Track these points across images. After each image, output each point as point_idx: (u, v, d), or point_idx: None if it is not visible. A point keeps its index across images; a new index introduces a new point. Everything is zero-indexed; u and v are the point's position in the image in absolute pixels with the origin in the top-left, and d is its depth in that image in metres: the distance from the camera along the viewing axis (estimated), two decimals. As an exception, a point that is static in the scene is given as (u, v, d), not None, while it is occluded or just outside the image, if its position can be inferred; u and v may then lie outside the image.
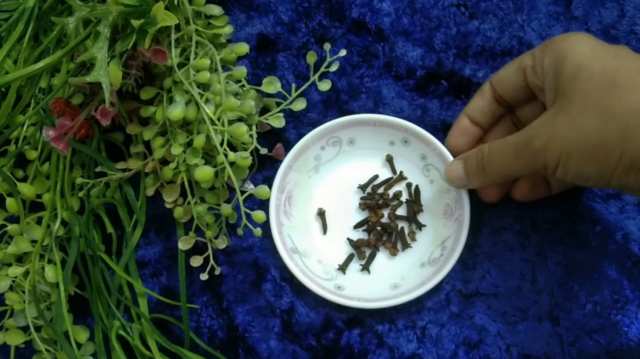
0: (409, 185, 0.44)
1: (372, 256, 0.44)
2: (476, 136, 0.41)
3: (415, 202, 0.44)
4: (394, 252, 0.43)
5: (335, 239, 0.44)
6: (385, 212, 0.44)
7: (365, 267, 0.43)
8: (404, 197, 0.44)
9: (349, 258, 0.44)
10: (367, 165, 0.45)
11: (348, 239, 0.44)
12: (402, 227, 0.44)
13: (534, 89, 0.38)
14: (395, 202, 0.44)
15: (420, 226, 0.44)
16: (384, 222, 0.44)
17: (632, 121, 0.31)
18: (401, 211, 0.44)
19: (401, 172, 0.45)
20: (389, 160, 0.45)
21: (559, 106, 0.34)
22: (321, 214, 0.45)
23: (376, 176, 0.45)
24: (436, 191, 0.44)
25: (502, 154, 0.36)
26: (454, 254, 0.40)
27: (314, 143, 0.44)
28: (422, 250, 0.43)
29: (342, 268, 0.43)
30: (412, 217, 0.44)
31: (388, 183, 0.45)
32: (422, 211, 0.44)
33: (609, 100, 0.32)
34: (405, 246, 0.43)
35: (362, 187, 0.45)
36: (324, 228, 0.45)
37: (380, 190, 0.45)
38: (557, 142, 0.33)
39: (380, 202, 0.44)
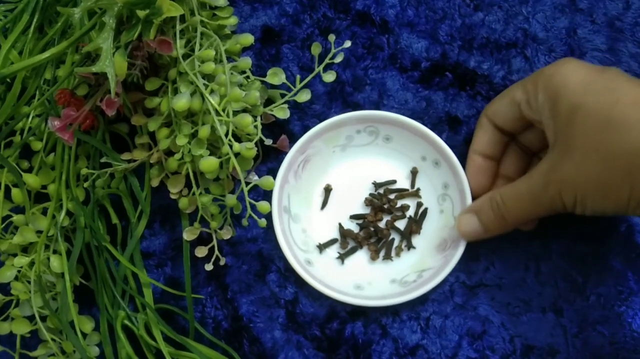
0: (419, 204, 0.44)
1: (352, 250, 0.44)
2: (493, 170, 0.42)
3: (417, 222, 0.44)
4: (373, 257, 0.43)
5: (328, 219, 0.45)
6: (385, 218, 0.44)
7: (341, 257, 0.43)
8: (409, 213, 0.44)
9: (331, 242, 0.44)
10: (391, 167, 0.45)
11: (339, 224, 0.44)
12: (393, 239, 0.44)
13: (532, 121, 0.38)
14: (398, 214, 0.44)
15: (409, 247, 0.43)
16: (378, 226, 0.44)
17: (635, 162, 0.31)
18: (400, 224, 0.44)
19: (418, 189, 0.44)
20: (414, 173, 0.45)
21: (562, 150, 0.34)
22: (327, 190, 0.45)
23: (394, 181, 0.45)
24: (441, 222, 0.43)
25: (519, 202, 0.37)
26: (426, 286, 0.40)
27: (352, 124, 0.44)
28: (399, 268, 0.43)
29: (321, 247, 0.44)
30: (407, 235, 0.44)
31: (401, 193, 0.44)
32: (419, 233, 0.44)
33: (608, 144, 0.32)
34: (387, 257, 0.43)
35: (376, 185, 0.45)
36: (324, 204, 0.45)
37: (391, 196, 0.44)
38: (569, 187, 0.34)
39: (385, 206, 0.44)
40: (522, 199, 0.37)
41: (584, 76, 0.34)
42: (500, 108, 0.40)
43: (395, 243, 0.44)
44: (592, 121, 0.33)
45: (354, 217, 0.44)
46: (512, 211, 0.37)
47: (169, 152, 0.43)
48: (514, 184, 0.37)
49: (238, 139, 0.42)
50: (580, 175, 0.33)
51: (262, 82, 0.44)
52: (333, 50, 0.45)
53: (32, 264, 0.43)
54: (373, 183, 0.45)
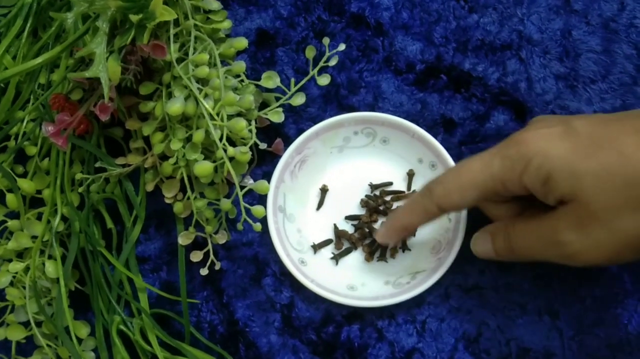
0: None
1: (346, 251, 0.44)
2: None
3: None
4: (368, 259, 0.43)
5: (324, 220, 0.44)
6: (380, 220, 0.44)
7: (335, 258, 0.43)
8: None
9: (326, 242, 0.44)
10: (388, 169, 0.45)
11: (334, 225, 0.44)
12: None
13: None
14: None
15: (404, 249, 0.43)
16: (373, 227, 0.44)
17: None
18: None
19: (414, 192, 0.44)
20: (410, 175, 0.44)
21: (582, 213, 0.32)
22: (323, 190, 0.45)
23: (390, 183, 0.45)
24: (436, 225, 0.43)
25: (527, 244, 0.36)
26: (419, 287, 0.40)
27: (349, 125, 0.44)
28: (393, 270, 0.43)
29: (315, 247, 0.44)
30: None
31: (397, 195, 0.44)
32: (414, 236, 0.44)
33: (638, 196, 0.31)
34: (382, 259, 0.43)
35: (372, 187, 0.45)
36: (319, 204, 0.45)
37: (387, 198, 0.44)
38: (598, 248, 0.33)
39: (380, 207, 0.44)
40: (531, 244, 0.36)
41: (559, 141, 0.33)
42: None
43: (390, 245, 0.44)
44: (605, 181, 0.31)
45: (349, 218, 0.44)
46: (521, 250, 0.36)
47: (164, 157, 0.43)
48: (526, 225, 0.36)
49: (233, 143, 0.42)
50: (615, 237, 0.32)
51: (257, 85, 0.44)
52: (327, 53, 0.45)
53: (27, 269, 0.43)
54: (369, 185, 0.45)
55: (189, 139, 0.41)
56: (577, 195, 0.32)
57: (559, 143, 0.33)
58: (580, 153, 0.32)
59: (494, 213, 0.39)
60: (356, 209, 0.45)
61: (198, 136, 0.40)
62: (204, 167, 0.40)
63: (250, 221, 0.40)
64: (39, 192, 0.45)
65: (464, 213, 0.41)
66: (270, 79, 0.45)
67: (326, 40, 0.45)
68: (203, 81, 0.41)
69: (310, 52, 0.45)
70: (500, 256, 0.38)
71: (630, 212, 0.31)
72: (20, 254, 0.44)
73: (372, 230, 0.44)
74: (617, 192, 0.31)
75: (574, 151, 0.32)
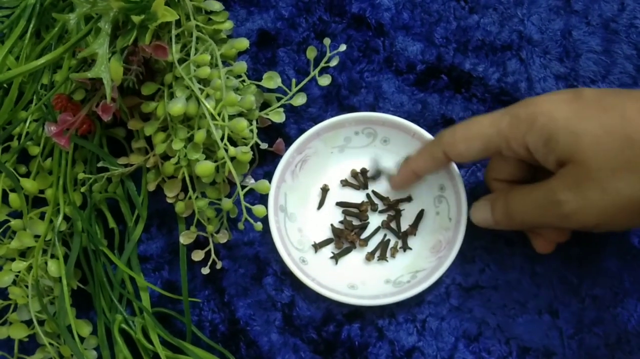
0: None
1: (346, 251, 0.44)
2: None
3: (413, 224, 0.44)
4: (369, 258, 0.43)
5: (324, 219, 0.45)
6: (381, 219, 0.44)
7: (335, 257, 0.44)
8: (405, 214, 0.44)
9: (327, 241, 0.44)
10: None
11: (331, 225, 0.44)
12: (389, 240, 0.44)
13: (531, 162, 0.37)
14: (393, 214, 0.44)
15: (405, 248, 0.44)
16: (360, 212, 0.44)
17: None
18: (395, 226, 0.44)
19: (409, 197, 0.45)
20: None
21: (579, 172, 0.33)
22: (324, 190, 0.45)
23: None
24: (437, 224, 0.43)
25: (524, 208, 0.36)
26: (420, 286, 0.40)
27: (350, 125, 0.44)
28: (394, 269, 0.43)
29: (316, 247, 0.44)
30: (403, 236, 0.44)
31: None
32: (415, 235, 0.44)
33: (636, 158, 0.31)
34: (382, 258, 0.43)
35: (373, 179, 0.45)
36: (320, 204, 0.45)
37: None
38: (592, 208, 0.33)
39: (382, 207, 0.44)
40: (527, 207, 0.36)
41: (563, 104, 0.34)
42: (499, 168, 0.39)
43: (391, 244, 0.44)
44: (607, 141, 0.32)
45: (340, 204, 0.45)
46: (517, 215, 0.37)
47: (166, 157, 0.43)
48: (524, 189, 0.36)
49: (234, 143, 0.42)
50: (610, 196, 0.32)
51: (258, 86, 0.45)
52: (328, 54, 0.45)
53: (29, 268, 0.43)
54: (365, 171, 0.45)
55: (190, 139, 0.41)
56: (576, 154, 0.32)
57: (564, 106, 0.33)
58: (583, 115, 0.33)
59: (498, 187, 0.40)
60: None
61: (199, 136, 0.40)
62: (205, 167, 0.40)
63: (252, 221, 0.40)
64: (41, 191, 0.45)
65: (464, 214, 0.41)
66: (272, 80, 0.45)
67: (327, 41, 0.45)
68: (204, 82, 0.41)
69: (311, 53, 0.45)
70: (499, 223, 0.38)
71: (626, 174, 0.31)
72: (23, 254, 0.45)
73: (360, 215, 0.44)
74: (615, 153, 0.32)
75: (577, 113, 0.33)
